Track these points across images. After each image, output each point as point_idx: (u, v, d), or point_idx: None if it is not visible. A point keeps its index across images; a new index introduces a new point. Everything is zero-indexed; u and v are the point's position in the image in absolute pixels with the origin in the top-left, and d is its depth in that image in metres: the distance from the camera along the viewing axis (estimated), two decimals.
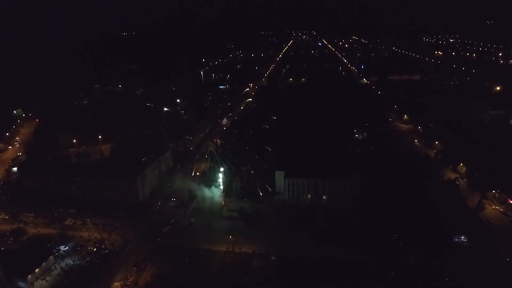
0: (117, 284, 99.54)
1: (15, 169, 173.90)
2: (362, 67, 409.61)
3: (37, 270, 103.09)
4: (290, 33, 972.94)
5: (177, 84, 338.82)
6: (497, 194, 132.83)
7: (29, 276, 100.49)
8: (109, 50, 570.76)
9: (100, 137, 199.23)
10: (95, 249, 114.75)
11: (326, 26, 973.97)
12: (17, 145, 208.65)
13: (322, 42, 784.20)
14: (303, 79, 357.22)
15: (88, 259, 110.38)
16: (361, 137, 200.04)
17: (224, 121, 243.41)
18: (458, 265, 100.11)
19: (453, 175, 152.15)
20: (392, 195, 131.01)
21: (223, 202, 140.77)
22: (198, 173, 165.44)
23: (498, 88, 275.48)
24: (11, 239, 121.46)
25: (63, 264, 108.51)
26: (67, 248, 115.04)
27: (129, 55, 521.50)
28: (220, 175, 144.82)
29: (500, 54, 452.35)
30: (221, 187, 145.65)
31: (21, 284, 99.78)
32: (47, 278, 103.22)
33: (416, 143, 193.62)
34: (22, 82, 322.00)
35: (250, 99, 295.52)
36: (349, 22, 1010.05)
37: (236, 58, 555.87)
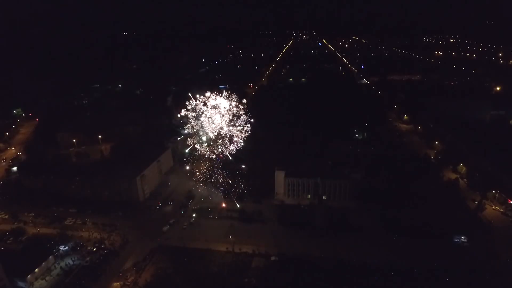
0: (117, 284, 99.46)
1: (15, 168, 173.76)
2: (362, 67, 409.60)
3: (36, 270, 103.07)
4: (290, 33, 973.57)
5: (177, 83, 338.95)
6: (497, 194, 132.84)
7: (29, 275, 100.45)
8: (109, 50, 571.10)
9: (100, 137, 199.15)
10: (95, 249, 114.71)
11: (326, 26, 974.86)
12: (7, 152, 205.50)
13: (322, 42, 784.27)
14: (303, 79, 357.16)
15: (88, 259, 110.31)
16: (361, 137, 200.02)
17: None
18: (458, 265, 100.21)
19: (453, 175, 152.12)
20: (391, 195, 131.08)
21: (223, 202, 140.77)
22: (198, 173, 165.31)
23: (498, 88, 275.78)
24: (11, 238, 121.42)
25: (62, 264, 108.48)
26: (67, 248, 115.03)
27: (129, 55, 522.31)
28: (220, 175, 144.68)
29: (500, 54, 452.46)
30: (221, 187, 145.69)
31: (21, 284, 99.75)
32: (47, 278, 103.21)
33: (416, 143, 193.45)
34: (22, 82, 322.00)
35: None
36: (349, 22, 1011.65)
37: (236, 58, 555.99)
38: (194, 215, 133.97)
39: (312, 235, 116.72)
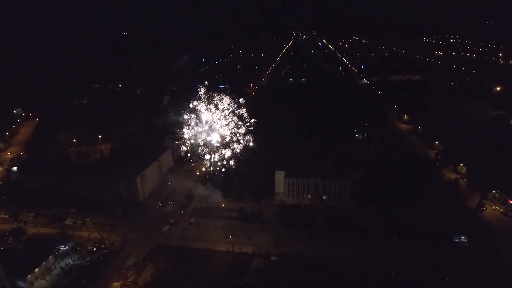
0: (117, 284, 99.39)
1: (15, 168, 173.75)
2: (363, 67, 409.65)
3: (36, 269, 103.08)
4: (290, 33, 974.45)
5: (177, 84, 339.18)
6: (497, 195, 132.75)
7: (29, 275, 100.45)
8: (110, 50, 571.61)
9: (100, 137, 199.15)
10: (95, 249, 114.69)
11: (326, 26, 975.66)
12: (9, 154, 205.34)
13: (322, 42, 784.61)
14: (303, 79, 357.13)
15: (88, 258, 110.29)
16: (361, 137, 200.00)
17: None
18: (458, 265, 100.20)
19: (453, 175, 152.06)
20: (392, 195, 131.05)
21: (223, 202, 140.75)
22: (198, 173, 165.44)
23: (498, 88, 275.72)
24: (11, 238, 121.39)
25: (62, 263, 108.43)
26: (67, 247, 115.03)
27: (129, 54, 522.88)
28: (220, 175, 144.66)
29: (500, 54, 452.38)
30: (221, 186, 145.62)
31: (21, 283, 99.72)
32: (47, 278, 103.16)
33: (416, 143, 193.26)
34: (22, 82, 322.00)
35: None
36: (349, 22, 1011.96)
37: (236, 58, 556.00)
38: (194, 214, 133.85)
39: (312, 235, 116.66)
